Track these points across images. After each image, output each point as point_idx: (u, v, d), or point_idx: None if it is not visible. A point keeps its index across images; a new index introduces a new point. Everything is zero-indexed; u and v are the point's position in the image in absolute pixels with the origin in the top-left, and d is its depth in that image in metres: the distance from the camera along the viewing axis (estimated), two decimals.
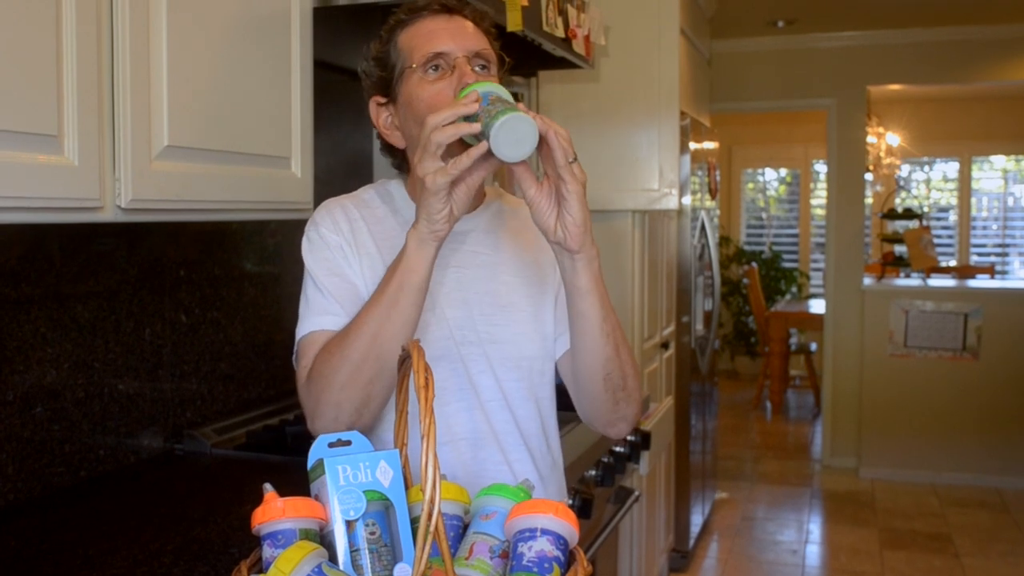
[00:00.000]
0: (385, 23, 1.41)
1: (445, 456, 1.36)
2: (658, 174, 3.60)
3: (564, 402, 1.50)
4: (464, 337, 1.39)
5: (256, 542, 1.04)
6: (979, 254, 8.88)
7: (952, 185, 9.00)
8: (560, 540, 1.03)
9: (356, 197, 1.48)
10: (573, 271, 1.29)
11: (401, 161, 1.47)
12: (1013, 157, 8.79)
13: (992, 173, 8.95)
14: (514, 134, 1.16)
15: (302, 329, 1.38)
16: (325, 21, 1.94)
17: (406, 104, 1.38)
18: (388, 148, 1.47)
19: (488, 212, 1.50)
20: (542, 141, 1.19)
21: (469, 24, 1.39)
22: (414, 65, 1.35)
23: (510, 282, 1.45)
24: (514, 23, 2.05)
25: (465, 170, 1.18)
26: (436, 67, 1.35)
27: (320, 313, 1.36)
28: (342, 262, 1.38)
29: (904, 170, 8.96)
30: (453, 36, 1.35)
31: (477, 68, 1.36)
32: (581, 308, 1.33)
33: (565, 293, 1.34)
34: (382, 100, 1.42)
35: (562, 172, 1.22)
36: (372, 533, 1.03)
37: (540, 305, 1.47)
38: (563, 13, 2.41)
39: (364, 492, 1.03)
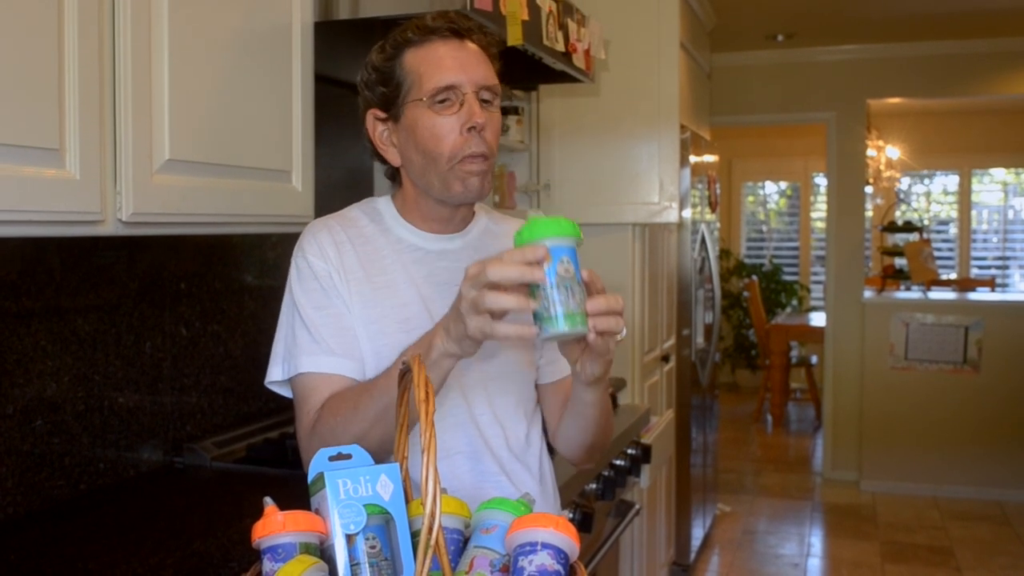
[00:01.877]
0: (391, 35, 1.40)
1: (443, 471, 1.36)
2: (658, 187, 3.61)
3: None
4: None
5: (256, 556, 1.04)
6: (979, 267, 8.89)
7: (952, 198, 9.02)
8: (561, 554, 1.03)
9: (342, 216, 1.47)
10: (583, 388, 1.35)
11: (394, 173, 1.46)
12: (1013, 170, 8.80)
13: (992, 186, 8.96)
14: (567, 335, 1.13)
15: (296, 367, 1.38)
16: (326, 35, 1.95)
17: (408, 129, 1.37)
18: (379, 157, 1.46)
19: (477, 228, 1.50)
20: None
21: (478, 50, 1.38)
22: (424, 98, 1.34)
23: None
24: (515, 37, 2.05)
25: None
26: (444, 100, 1.34)
27: (311, 353, 1.37)
28: (330, 293, 1.38)
29: (904, 183, 8.97)
30: (463, 67, 1.35)
31: (484, 100, 1.36)
32: (582, 410, 1.41)
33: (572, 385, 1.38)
34: (381, 115, 1.41)
35: (598, 347, 1.20)
36: (372, 547, 1.02)
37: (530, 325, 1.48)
38: (563, 27, 2.41)
39: (364, 506, 1.03)
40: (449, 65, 1.34)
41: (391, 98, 1.38)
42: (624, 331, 1.17)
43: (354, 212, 1.48)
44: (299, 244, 1.44)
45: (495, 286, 1.11)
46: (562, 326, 1.11)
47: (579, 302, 1.12)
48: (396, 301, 1.40)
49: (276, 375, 1.41)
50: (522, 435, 1.46)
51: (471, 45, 1.37)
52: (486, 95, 1.37)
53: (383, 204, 1.49)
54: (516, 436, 1.45)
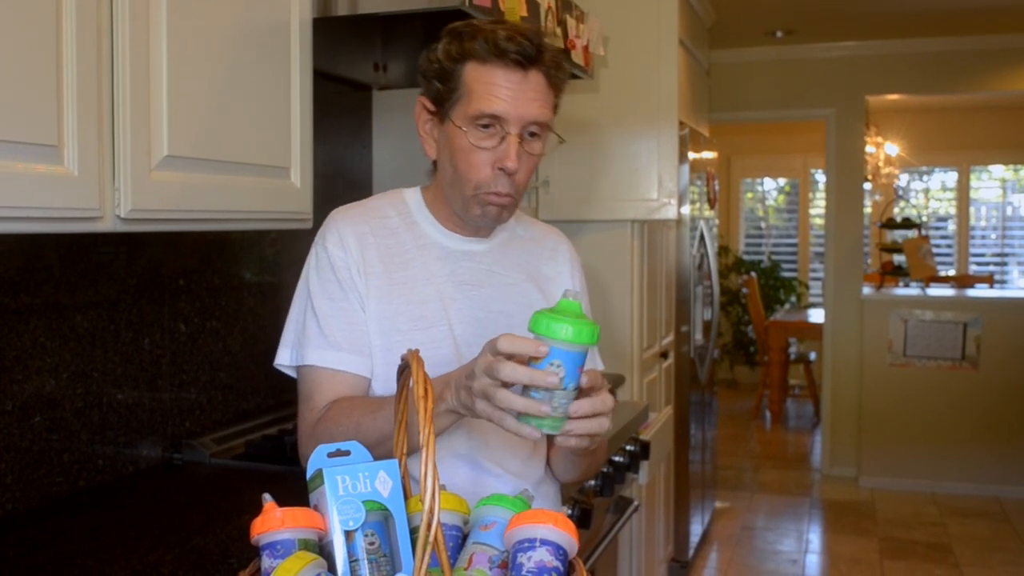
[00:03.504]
0: (465, 30, 1.36)
1: (443, 469, 1.36)
2: (657, 184, 3.61)
3: None
4: (470, 354, 1.38)
5: (255, 552, 1.04)
6: (978, 263, 8.89)
7: (951, 195, 9.02)
8: (559, 550, 1.03)
9: (367, 206, 1.46)
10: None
11: (431, 165, 1.46)
12: (1011, 167, 8.80)
13: (991, 183, 8.96)
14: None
15: (302, 357, 1.39)
16: (325, 31, 1.95)
17: (448, 137, 1.37)
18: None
19: (504, 233, 1.50)
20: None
21: (540, 81, 1.34)
22: (468, 117, 1.33)
23: (523, 303, 1.45)
24: None
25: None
26: (487, 126, 1.33)
27: (318, 346, 1.37)
28: (345, 287, 1.38)
29: (903, 180, 8.97)
30: (515, 101, 1.32)
31: (528, 135, 1.35)
32: (571, 458, 1.44)
33: None
34: (430, 107, 1.40)
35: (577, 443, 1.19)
36: (371, 543, 1.03)
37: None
38: (562, 24, 2.41)
39: (363, 502, 1.03)
40: (502, 96, 1.32)
41: (442, 98, 1.37)
42: (607, 428, 1.15)
43: (380, 202, 1.47)
44: (321, 232, 1.43)
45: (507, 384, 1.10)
46: (545, 428, 1.12)
47: (562, 408, 1.11)
48: (413, 298, 1.39)
49: (284, 359, 1.43)
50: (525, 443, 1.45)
51: (534, 76, 1.34)
52: (532, 130, 1.35)
53: (411, 196, 1.48)
54: (518, 441, 1.43)
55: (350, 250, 1.39)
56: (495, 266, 1.46)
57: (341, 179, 2.79)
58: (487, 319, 1.41)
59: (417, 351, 1.00)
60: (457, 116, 1.35)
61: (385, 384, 1.39)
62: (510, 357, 1.09)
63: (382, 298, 1.38)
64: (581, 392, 1.12)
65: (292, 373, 1.45)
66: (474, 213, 1.39)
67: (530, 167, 1.38)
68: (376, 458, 1.20)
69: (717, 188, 4.98)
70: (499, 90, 1.32)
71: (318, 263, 1.41)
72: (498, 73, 1.32)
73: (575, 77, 2.65)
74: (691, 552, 4.34)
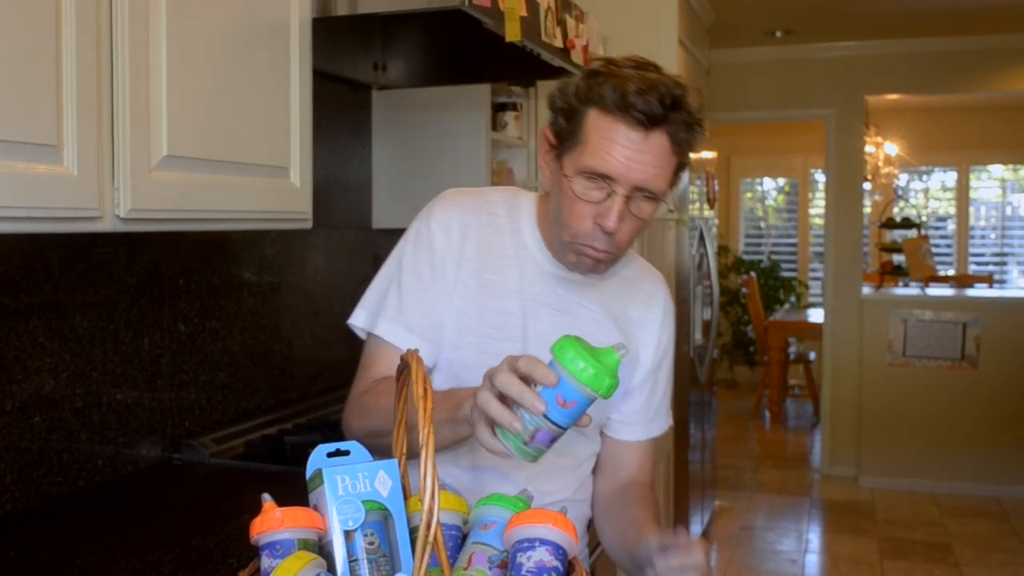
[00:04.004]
0: (602, 70, 1.28)
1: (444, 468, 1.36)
2: None
3: None
4: None
5: (254, 552, 1.04)
6: (977, 263, 8.89)
7: (950, 194, 9.02)
8: (559, 550, 1.03)
9: (480, 197, 1.43)
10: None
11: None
12: (1011, 166, 8.80)
13: (990, 182, 8.96)
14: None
15: (374, 324, 1.37)
16: (324, 31, 1.95)
17: (558, 178, 1.32)
18: None
19: (608, 273, 1.42)
20: None
21: (662, 145, 1.25)
22: (574, 173, 1.28)
23: (602, 342, 1.40)
24: (513, 34, 2.05)
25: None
26: (593, 179, 1.27)
27: (393, 320, 1.36)
28: (436, 272, 1.36)
29: (902, 179, 8.97)
30: (630, 165, 1.24)
31: (639, 197, 1.28)
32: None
33: None
34: (551, 140, 1.34)
35: None
36: (371, 543, 1.03)
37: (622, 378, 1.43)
38: (562, 24, 2.41)
39: (363, 502, 1.03)
40: (616, 156, 1.24)
41: (563, 136, 1.31)
42: None
43: (495, 196, 1.44)
44: (429, 209, 1.40)
45: (501, 396, 1.06)
46: (513, 449, 1.07)
47: (542, 441, 1.06)
48: (498, 306, 1.37)
49: (359, 320, 1.42)
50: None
51: (656, 139, 1.25)
52: (644, 195, 1.28)
53: (526, 202, 1.44)
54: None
55: (452, 237, 1.37)
56: (584, 299, 1.41)
57: (341, 179, 2.79)
58: None
59: (416, 351, 1.00)
60: (569, 162, 1.29)
61: (446, 376, 1.36)
62: (524, 377, 1.05)
63: (467, 296, 1.36)
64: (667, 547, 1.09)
65: (362, 335, 1.43)
66: (568, 259, 1.35)
67: (634, 228, 1.31)
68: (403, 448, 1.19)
69: (717, 188, 4.98)
70: (615, 148, 1.24)
71: (417, 239, 1.39)
72: (619, 129, 1.24)
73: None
74: None
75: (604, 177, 1.26)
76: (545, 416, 1.04)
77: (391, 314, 1.37)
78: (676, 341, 1.54)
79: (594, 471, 1.51)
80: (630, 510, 1.42)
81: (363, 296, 1.44)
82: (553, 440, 1.07)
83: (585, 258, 1.32)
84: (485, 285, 1.37)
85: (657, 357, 1.48)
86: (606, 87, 1.24)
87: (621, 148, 1.24)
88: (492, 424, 1.07)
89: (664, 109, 1.23)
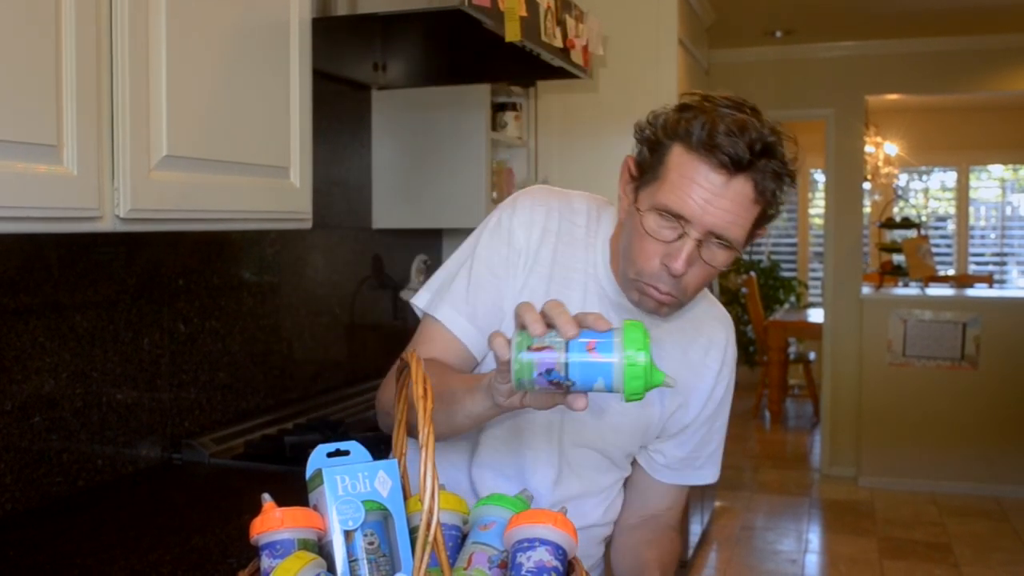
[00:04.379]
0: (692, 105, 1.23)
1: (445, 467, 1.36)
2: None
3: None
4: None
5: (254, 552, 1.04)
6: (977, 263, 8.89)
7: (950, 194, 9.02)
8: (559, 550, 1.03)
9: (568, 200, 1.38)
10: None
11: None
12: (1011, 166, 8.81)
13: (990, 182, 8.96)
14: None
15: (436, 307, 1.34)
16: (324, 31, 1.95)
17: (632, 211, 1.26)
18: None
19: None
20: None
21: (745, 192, 1.19)
22: (648, 208, 1.22)
23: None
24: (512, 34, 2.05)
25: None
26: (665, 217, 1.21)
27: (456, 306, 1.33)
28: (509, 267, 1.33)
29: (902, 179, 8.97)
30: (706, 208, 1.18)
31: (713, 243, 1.21)
32: None
33: None
34: (632, 171, 1.29)
35: None
36: (371, 543, 1.02)
37: (648, 419, 1.38)
38: (561, 24, 2.41)
39: (363, 502, 1.03)
40: (694, 198, 1.18)
41: (644, 168, 1.25)
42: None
43: (580, 205, 1.39)
44: (513, 201, 1.37)
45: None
46: (515, 353, 1.00)
47: (533, 371, 0.99)
48: None
49: (422, 302, 1.38)
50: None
51: (739, 184, 1.18)
52: (717, 242, 1.21)
53: (607, 220, 1.38)
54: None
55: (531, 238, 1.34)
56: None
57: (341, 179, 2.79)
58: None
59: (415, 351, 1.00)
60: (645, 196, 1.24)
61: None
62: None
63: (533, 299, 1.28)
64: None
65: (420, 314, 1.39)
66: (632, 297, 1.30)
67: (703, 275, 1.25)
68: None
69: None
70: (693, 188, 1.18)
71: (498, 230, 1.35)
72: (700, 169, 1.18)
73: (574, 77, 2.65)
74: (690, 552, 4.34)
75: (678, 217, 1.20)
76: (566, 345, 0.98)
77: (456, 301, 1.34)
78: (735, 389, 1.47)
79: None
80: (643, 552, 1.39)
81: (431, 279, 1.40)
82: (550, 379, 0.98)
83: (648, 298, 1.27)
84: (551, 293, 1.32)
85: (711, 407, 1.43)
86: (695, 123, 1.19)
87: (700, 189, 1.18)
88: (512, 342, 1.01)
89: (752, 155, 1.17)
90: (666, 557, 1.38)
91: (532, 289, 1.33)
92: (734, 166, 1.17)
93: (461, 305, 1.33)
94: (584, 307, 1.32)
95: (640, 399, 1.00)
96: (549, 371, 0.98)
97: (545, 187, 1.41)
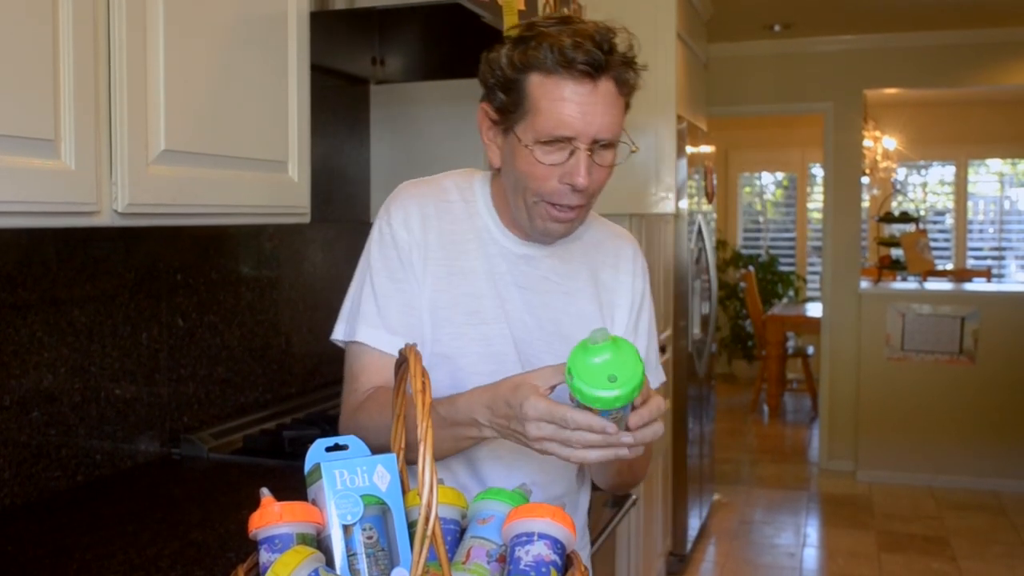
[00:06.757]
0: (527, 38, 1.26)
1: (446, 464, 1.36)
2: (655, 178, 3.60)
3: None
4: (529, 353, 1.35)
5: (253, 547, 1.04)
6: (976, 257, 8.89)
7: (948, 189, 9.02)
8: (557, 544, 1.03)
9: (435, 185, 1.41)
10: None
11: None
12: (1009, 160, 8.81)
13: (988, 177, 8.96)
14: None
15: (354, 332, 1.35)
16: (322, 25, 1.95)
17: (511, 149, 1.30)
18: None
19: (568, 239, 1.42)
20: None
21: (610, 90, 1.25)
22: (531, 141, 1.26)
23: (575, 314, 1.39)
24: (511, 27, 2.05)
25: None
26: (553, 143, 1.25)
27: (372, 325, 1.34)
28: (406, 267, 1.35)
29: (900, 174, 8.97)
30: (585, 117, 1.23)
31: (599, 146, 1.27)
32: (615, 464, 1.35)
33: None
34: (493, 116, 1.32)
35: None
36: (369, 537, 1.03)
37: None
38: None
39: (361, 496, 1.03)
40: (571, 113, 1.23)
41: (507, 108, 1.29)
42: (661, 432, 1.12)
43: (448, 182, 1.42)
44: (386, 208, 1.38)
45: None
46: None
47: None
48: (470, 290, 1.35)
49: (339, 334, 1.39)
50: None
51: (604, 85, 1.25)
52: (603, 143, 1.27)
53: (480, 185, 1.42)
54: None
55: (414, 231, 1.35)
56: (551, 273, 1.40)
57: (339, 173, 2.78)
58: (537, 325, 1.37)
59: (414, 346, 1.00)
60: (522, 132, 1.27)
61: (432, 371, 1.33)
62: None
63: (439, 287, 1.34)
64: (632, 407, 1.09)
65: (343, 346, 1.41)
66: (536, 226, 1.33)
67: (601, 178, 1.30)
68: (409, 461, 1.16)
69: (715, 182, 4.98)
70: (567, 106, 1.23)
71: (381, 239, 1.37)
72: (566, 86, 1.23)
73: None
74: (689, 546, 4.34)
75: (564, 139, 1.25)
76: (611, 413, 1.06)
77: (370, 320, 1.34)
78: (653, 292, 1.53)
79: None
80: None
81: (340, 312, 1.41)
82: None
83: (553, 223, 1.31)
84: (454, 273, 1.35)
85: (633, 316, 1.46)
86: (541, 49, 1.24)
87: (573, 105, 1.23)
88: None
89: (604, 54, 1.24)
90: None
91: (434, 275, 1.35)
92: (595, 71, 1.23)
93: (378, 321, 1.34)
94: (492, 272, 1.36)
95: (640, 377, 1.05)
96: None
97: (409, 182, 1.43)
